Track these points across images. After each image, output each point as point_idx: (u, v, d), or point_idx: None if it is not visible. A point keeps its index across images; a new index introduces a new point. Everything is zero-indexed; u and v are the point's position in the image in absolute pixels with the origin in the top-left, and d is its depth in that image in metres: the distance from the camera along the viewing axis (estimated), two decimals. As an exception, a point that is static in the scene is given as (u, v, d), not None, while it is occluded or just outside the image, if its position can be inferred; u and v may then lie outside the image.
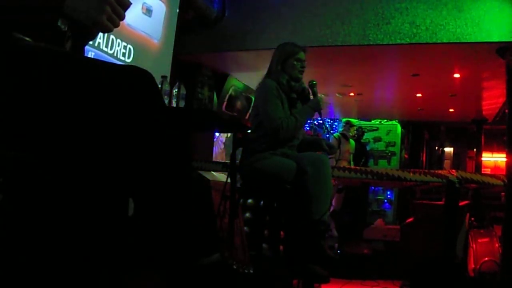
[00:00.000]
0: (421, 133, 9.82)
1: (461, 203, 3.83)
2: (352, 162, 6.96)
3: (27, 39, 1.03)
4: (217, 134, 6.72)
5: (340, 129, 7.33)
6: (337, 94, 7.20)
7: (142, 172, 0.96)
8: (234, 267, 1.02)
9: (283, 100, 2.70)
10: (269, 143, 2.68)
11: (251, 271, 1.04)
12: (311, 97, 2.82)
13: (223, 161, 5.50)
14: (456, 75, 5.82)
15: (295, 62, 2.75)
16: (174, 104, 2.80)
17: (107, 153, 0.98)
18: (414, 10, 4.58)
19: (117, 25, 1.07)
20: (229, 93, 6.59)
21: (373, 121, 9.49)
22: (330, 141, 6.46)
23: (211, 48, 5.39)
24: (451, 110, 7.99)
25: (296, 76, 2.75)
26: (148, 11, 3.99)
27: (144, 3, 3.96)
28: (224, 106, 6.46)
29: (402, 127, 9.51)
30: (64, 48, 1.12)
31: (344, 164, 6.46)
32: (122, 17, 1.08)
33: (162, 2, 4.28)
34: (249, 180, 2.75)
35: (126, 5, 1.09)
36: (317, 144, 2.88)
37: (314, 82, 2.79)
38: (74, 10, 1.00)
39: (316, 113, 2.77)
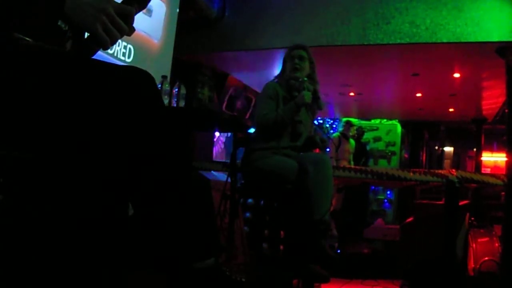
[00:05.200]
0: (421, 133, 9.81)
1: (461, 203, 3.83)
2: (352, 162, 6.96)
3: (27, 39, 1.03)
4: (217, 133, 6.73)
5: (340, 129, 7.33)
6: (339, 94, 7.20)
7: (142, 172, 0.97)
8: (227, 273, 1.02)
9: (279, 99, 2.77)
10: (269, 142, 2.70)
11: (243, 280, 1.04)
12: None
13: (223, 160, 5.50)
14: (456, 75, 5.82)
15: (290, 63, 2.89)
16: (174, 104, 2.81)
17: (106, 154, 0.98)
18: (414, 10, 4.58)
19: (114, 39, 1.04)
20: (229, 93, 6.59)
21: (373, 121, 9.49)
22: (330, 142, 6.47)
23: (211, 48, 5.39)
24: (451, 109, 7.99)
25: (293, 75, 2.83)
26: (148, 11, 3.98)
27: (144, 3, 3.94)
28: (224, 106, 6.46)
29: (402, 126, 9.51)
30: (64, 48, 1.12)
31: (344, 164, 6.46)
32: (122, 31, 1.04)
33: (162, 2, 4.28)
34: (251, 180, 2.76)
35: (130, 17, 1.06)
36: (311, 141, 2.91)
37: (305, 79, 2.83)
38: (71, 14, 0.99)
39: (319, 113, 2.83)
